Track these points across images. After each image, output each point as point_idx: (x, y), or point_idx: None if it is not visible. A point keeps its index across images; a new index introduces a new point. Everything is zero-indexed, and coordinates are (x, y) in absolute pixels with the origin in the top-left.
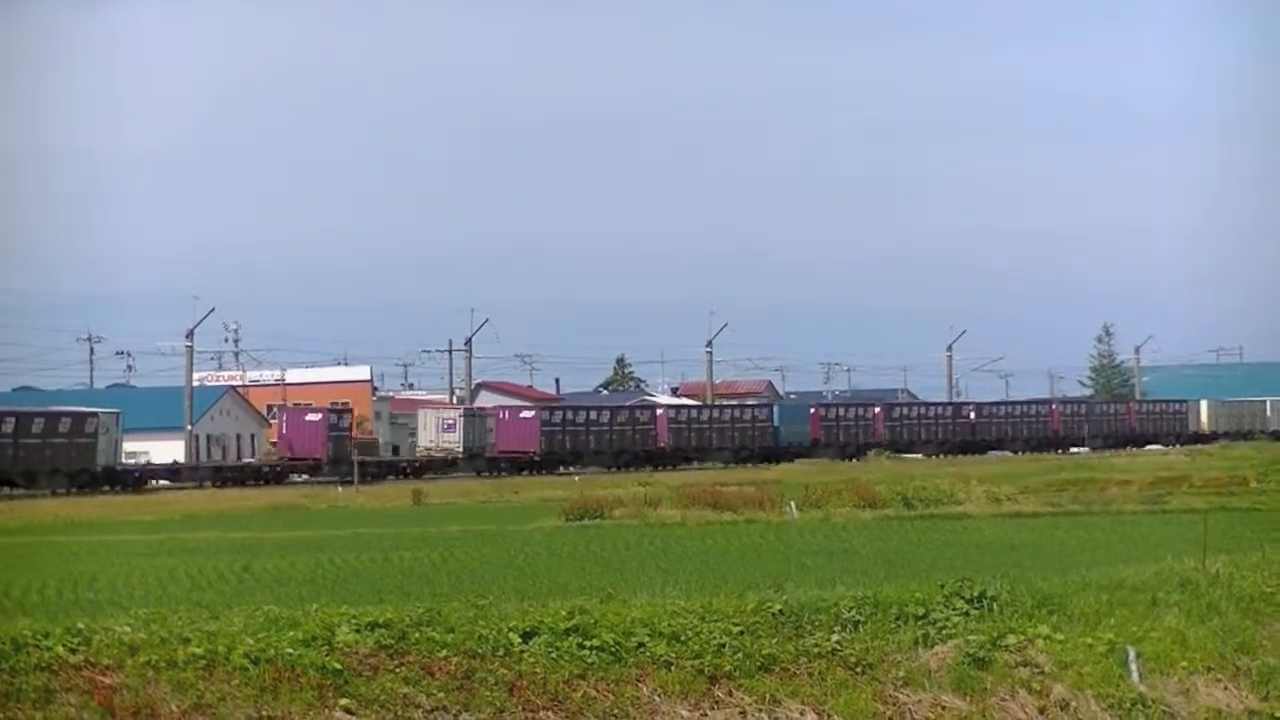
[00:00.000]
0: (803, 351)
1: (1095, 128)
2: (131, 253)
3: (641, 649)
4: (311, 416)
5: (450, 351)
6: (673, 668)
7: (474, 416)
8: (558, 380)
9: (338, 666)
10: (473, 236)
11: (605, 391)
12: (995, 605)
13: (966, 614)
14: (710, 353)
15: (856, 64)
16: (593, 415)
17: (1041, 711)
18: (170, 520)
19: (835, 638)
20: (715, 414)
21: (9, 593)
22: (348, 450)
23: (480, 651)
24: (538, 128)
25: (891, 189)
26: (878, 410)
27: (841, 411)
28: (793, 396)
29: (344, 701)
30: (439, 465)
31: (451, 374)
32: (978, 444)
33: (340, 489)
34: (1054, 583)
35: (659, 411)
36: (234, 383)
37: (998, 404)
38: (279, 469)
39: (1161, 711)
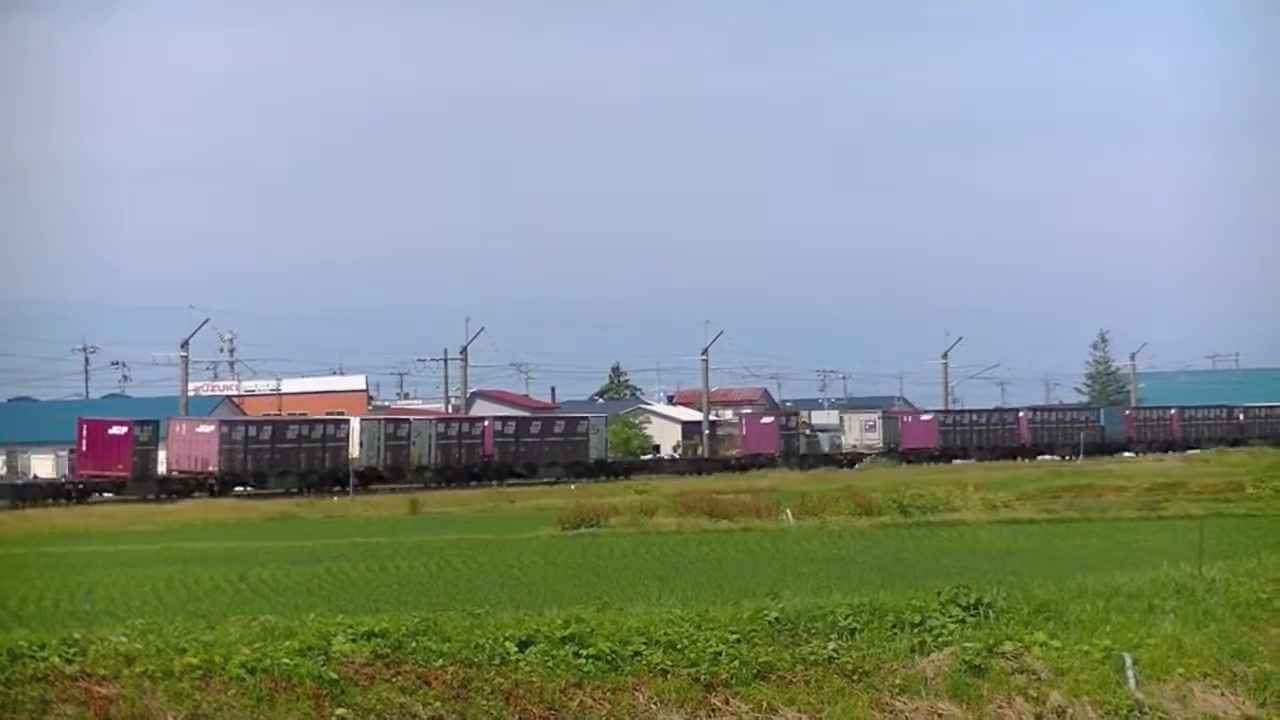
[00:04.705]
0: (799, 359)
1: (1093, 129)
2: (126, 263)
3: (638, 657)
4: (766, 420)
5: (445, 360)
6: (669, 676)
7: (889, 419)
8: (553, 389)
9: (334, 676)
10: (468, 239)
11: (601, 400)
12: (991, 612)
13: (963, 621)
14: (706, 361)
15: (854, 65)
16: (975, 418)
17: (1038, 718)
18: (168, 530)
19: (832, 645)
20: (1060, 415)
21: (5, 603)
22: (795, 446)
23: (476, 661)
24: (534, 128)
25: (886, 191)
26: (1173, 412)
27: (1147, 414)
28: (789, 404)
29: (340, 711)
30: (863, 458)
31: (447, 383)
32: (1246, 440)
33: (336, 499)
34: (1050, 590)
35: (1021, 414)
36: (229, 393)
37: (1259, 407)
38: (742, 461)
39: (1158, 718)
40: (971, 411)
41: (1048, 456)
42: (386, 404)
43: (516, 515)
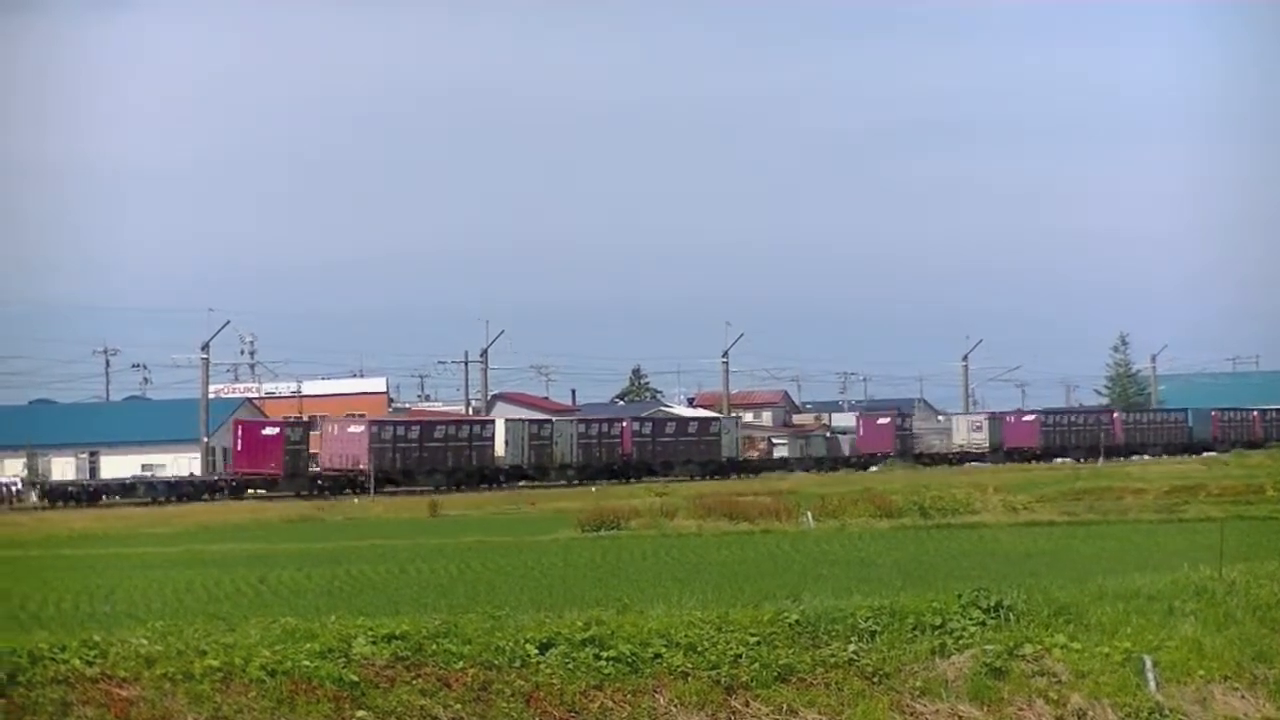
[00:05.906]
0: (819, 361)
1: (1094, 128)
2: (146, 265)
3: (658, 660)
4: (882, 420)
5: (466, 363)
6: (689, 678)
7: (994, 420)
8: (573, 391)
9: (355, 678)
10: (485, 239)
11: (621, 402)
12: (1012, 615)
13: (983, 623)
14: (726, 363)
15: (859, 64)
16: (1073, 419)
17: None
18: (185, 533)
19: (852, 648)
20: (1150, 417)
21: (26, 606)
22: (910, 446)
23: (497, 663)
24: (535, 128)
25: (891, 190)
26: (1255, 414)
27: (1231, 414)
28: (809, 406)
29: (361, 713)
30: (972, 457)
31: (467, 385)
32: None
33: (357, 500)
34: (1070, 592)
35: (1116, 415)
36: (250, 395)
37: None
38: (862, 459)
39: None
40: (1070, 412)
41: (1140, 456)
42: (407, 406)
43: (536, 518)
